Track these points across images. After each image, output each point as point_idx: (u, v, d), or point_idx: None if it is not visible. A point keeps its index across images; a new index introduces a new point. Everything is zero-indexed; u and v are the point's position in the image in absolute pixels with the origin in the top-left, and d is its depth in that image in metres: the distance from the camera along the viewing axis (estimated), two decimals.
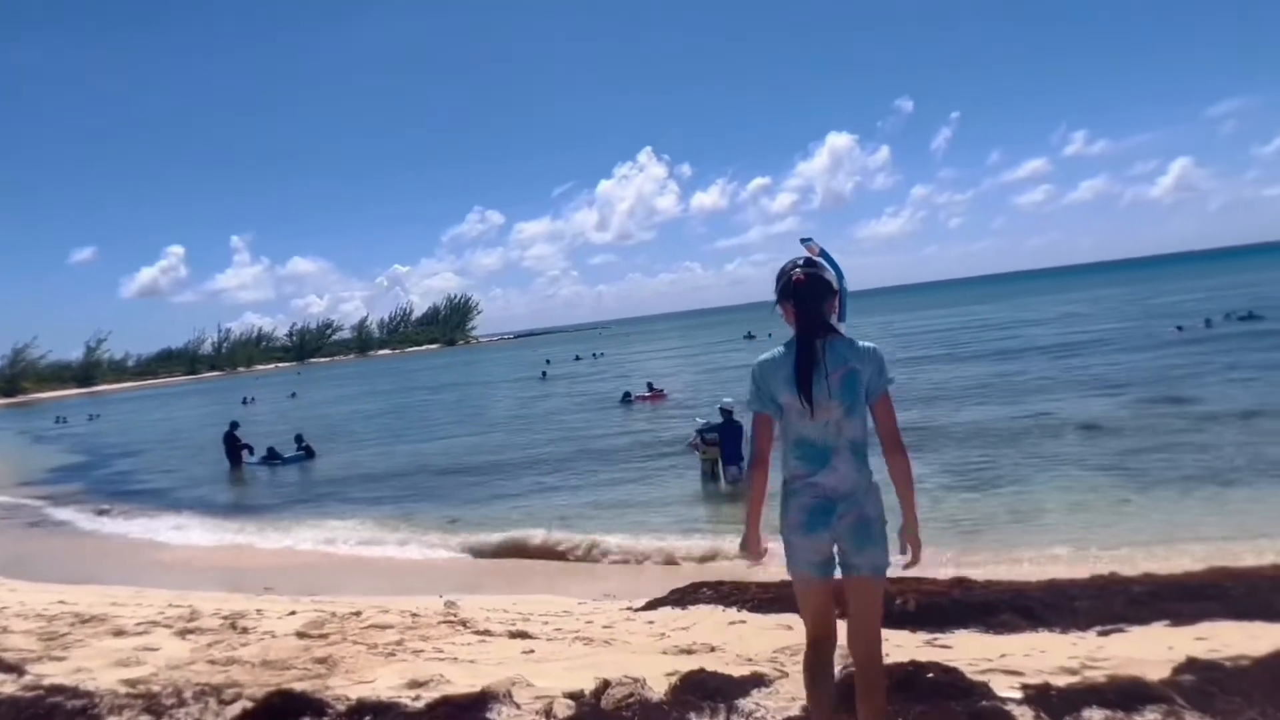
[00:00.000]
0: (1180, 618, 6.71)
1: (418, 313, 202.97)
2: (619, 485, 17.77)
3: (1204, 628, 6.52)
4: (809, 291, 3.42)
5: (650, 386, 34.12)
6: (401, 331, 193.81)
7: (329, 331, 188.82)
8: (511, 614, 8.88)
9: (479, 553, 13.42)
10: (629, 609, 8.93)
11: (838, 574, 3.48)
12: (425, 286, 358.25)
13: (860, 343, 3.41)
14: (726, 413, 16.00)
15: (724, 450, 15.93)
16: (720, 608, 8.29)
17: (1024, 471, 14.99)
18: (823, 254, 3.52)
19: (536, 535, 13.49)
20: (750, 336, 73.55)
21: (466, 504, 17.54)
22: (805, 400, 3.32)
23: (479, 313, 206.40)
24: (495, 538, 13.74)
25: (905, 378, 30.62)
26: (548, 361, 67.77)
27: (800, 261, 3.50)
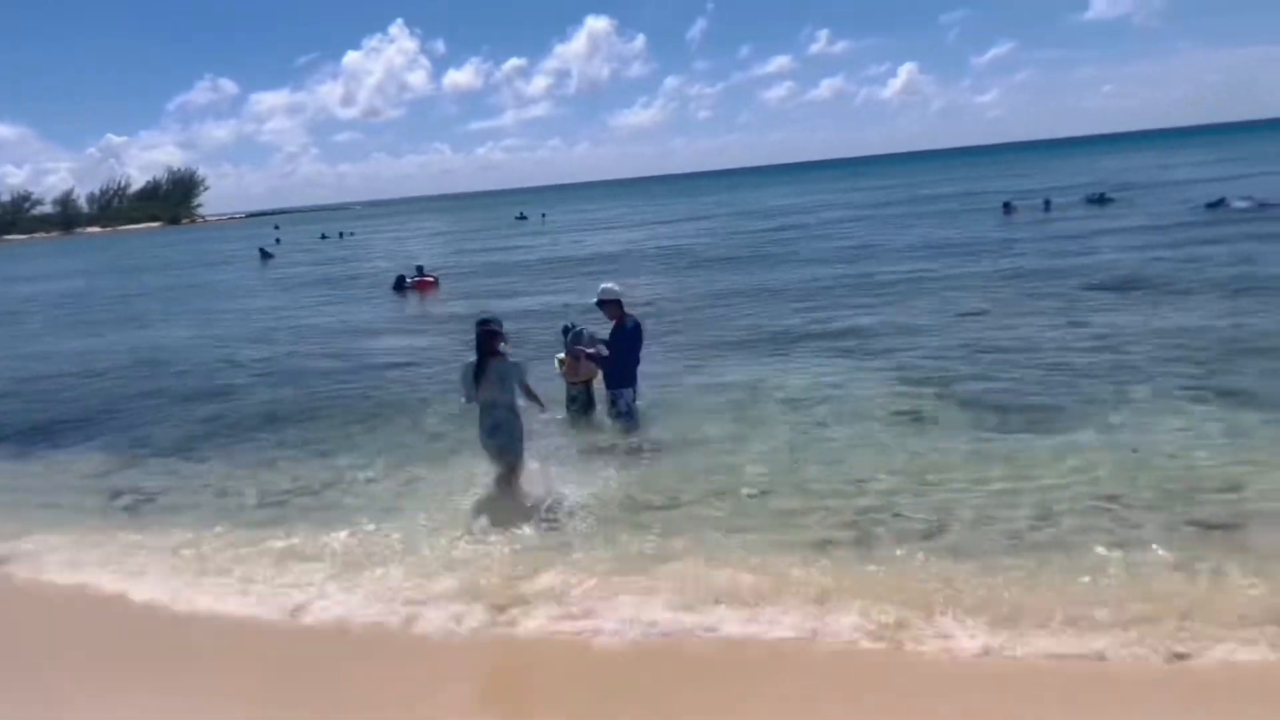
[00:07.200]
0: None
1: (136, 187, 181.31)
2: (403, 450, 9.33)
3: None
4: (487, 338, 7.14)
5: (420, 271, 26.61)
6: (116, 207, 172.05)
7: (26, 205, 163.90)
8: None
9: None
10: None
11: None
12: (145, 160, 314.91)
13: (510, 359, 7.22)
14: (609, 304, 9.32)
15: (613, 369, 9.32)
16: None
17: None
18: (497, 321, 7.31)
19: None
20: (522, 217, 66.60)
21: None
22: (478, 386, 7.13)
23: (206, 189, 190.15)
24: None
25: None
26: (277, 241, 56.79)
27: (482, 323, 7.24)
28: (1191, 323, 12.31)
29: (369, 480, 8.33)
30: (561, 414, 9.24)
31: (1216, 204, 27.51)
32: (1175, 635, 4.66)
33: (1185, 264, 17.53)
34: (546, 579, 5.79)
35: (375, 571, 6.14)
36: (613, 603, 5.41)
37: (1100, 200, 33.55)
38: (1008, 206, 33.77)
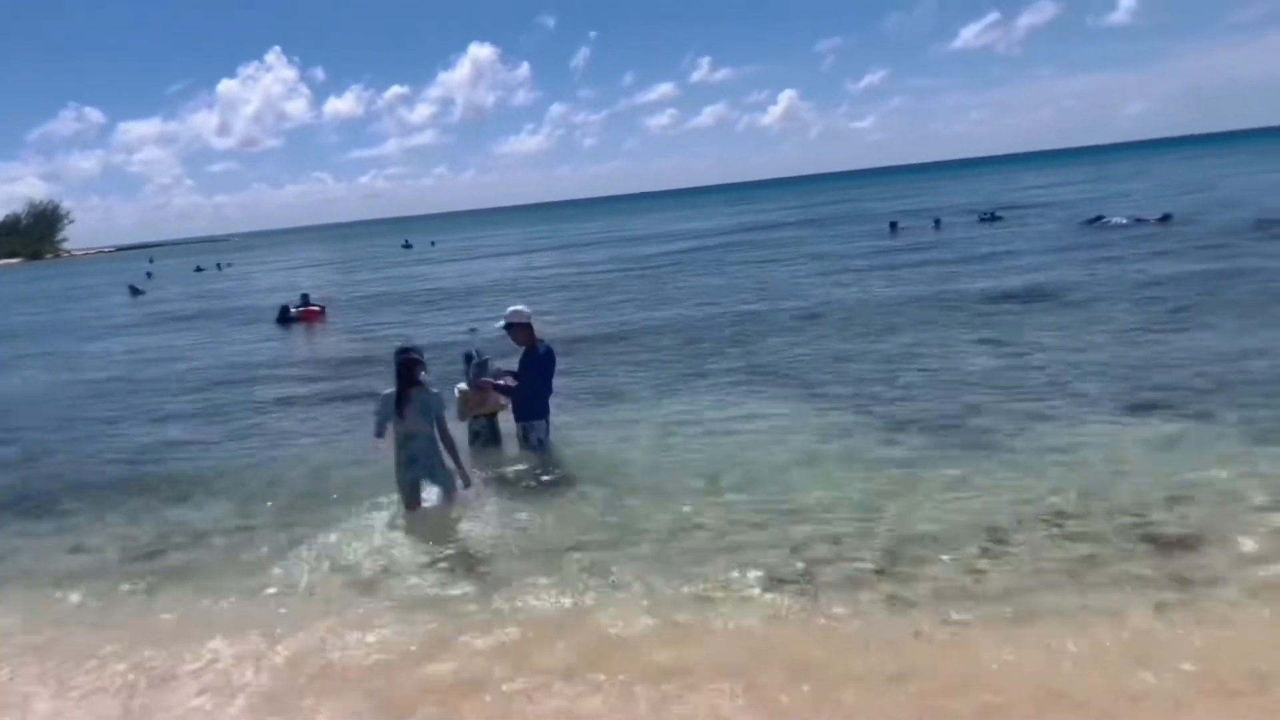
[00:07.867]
0: None
1: None
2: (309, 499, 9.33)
3: None
4: (407, 367, 6.97)
5: (305, 300, 25.12)
6: None
7: None
8: None
9: None
10: None
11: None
12: (5, 194, 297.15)
13: (431, 389, 7.11)
14: (519, 327, 8.51)
15: (524, 400, 8.49)
16: None
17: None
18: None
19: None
20: (408, 245, 65.17)
21: None
22: (400, 417, 6.98)
23: (70, 222, 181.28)
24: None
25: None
26: (149, 275, 53.67)
27: (402, 352, 7.08)
28: (1103, 337, 12.32)
29: (252, 534, 7.28)
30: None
31: (1094, 220, 28.68)
32: None
33: (1085, 278, 17.88)
34: (449, 663, 4.89)
35: (263, 652, 5.17)
36: (539, 698, 4.57)
37: (991, 219, 34.56)
38: (894, 226, 34.54)
